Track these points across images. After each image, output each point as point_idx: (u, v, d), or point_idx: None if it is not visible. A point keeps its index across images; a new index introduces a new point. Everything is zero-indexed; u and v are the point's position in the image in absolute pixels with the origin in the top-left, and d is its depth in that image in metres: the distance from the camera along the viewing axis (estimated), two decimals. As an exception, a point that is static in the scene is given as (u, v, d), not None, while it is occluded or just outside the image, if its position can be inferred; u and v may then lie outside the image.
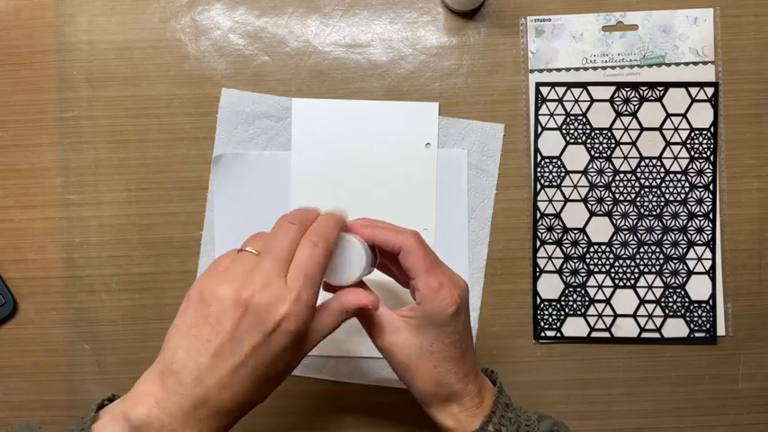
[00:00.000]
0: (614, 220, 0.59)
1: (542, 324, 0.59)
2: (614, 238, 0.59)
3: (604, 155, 0.59)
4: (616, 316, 0.59)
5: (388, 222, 0.47)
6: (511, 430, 0.44)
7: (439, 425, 0.46)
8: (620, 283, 0.59)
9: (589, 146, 0.59)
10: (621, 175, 0.59)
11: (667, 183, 0.59)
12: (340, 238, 0.43)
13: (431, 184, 0.59)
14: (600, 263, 0.59)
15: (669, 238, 0.59)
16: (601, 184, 0.59)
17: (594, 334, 0.59)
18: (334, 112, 0.59)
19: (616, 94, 0.59)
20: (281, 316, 0.39)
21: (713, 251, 0.59)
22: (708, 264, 0.59)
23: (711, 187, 0.59)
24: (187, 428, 0.39)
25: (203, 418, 0.39)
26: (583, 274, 0.59)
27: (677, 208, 0.59)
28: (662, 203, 0.59)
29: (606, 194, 0.59)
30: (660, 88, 0.59)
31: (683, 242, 0.59)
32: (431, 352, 0.44)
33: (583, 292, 0.59)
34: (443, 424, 0.46)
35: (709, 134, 0.59)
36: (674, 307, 0.59)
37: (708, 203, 0.59)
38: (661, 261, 0.59)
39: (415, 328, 0.44)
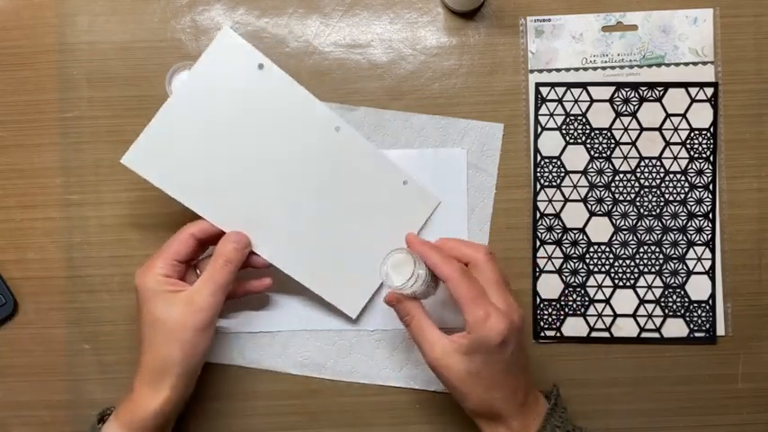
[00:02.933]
0: (614, 220, 0.59)
1: (542, 324, 0.59)
2: (614, 238, 0.59)
3: (604, 155, 0.59)
4: (616, 316, 0.59)
5: (456, 241, 0.51)
6: None
7: None
8: (620, 283, 0.59)
9: (589, 146, 0.59)
10: (621, 175, 0.59)
11: (667, 183, 0.59)
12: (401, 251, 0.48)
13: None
14: (600, 263, 0.59)
15: (669, 238, 0.59)
16: (600, 184, 0.59)
17: (594, 334, 0.59)
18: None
19: (616, 95, 0.59)
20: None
21: (713, 251, 0.59)
22: (707, 264, 0.59)
23: (711, 187, 0.59)
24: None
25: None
26: (582, 274, 0.59)
27: (677, 208, 0.59)
28: (661, 203, 0.59)
29: (606, 194, 0.59)
30: (660, 88, 0.59)
31: (682, 242, 0.59)
32: (480, 377, 0.47)
33: (582, 291, 0.59)
34: None
35: (708, 134, 0.59)
36: (674, 307, 0.59)
37: (707, 203, 0.59)
38: (661, 261, 0.59)
39: (465, 354, 0.47)
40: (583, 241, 0.59)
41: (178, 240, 0.52)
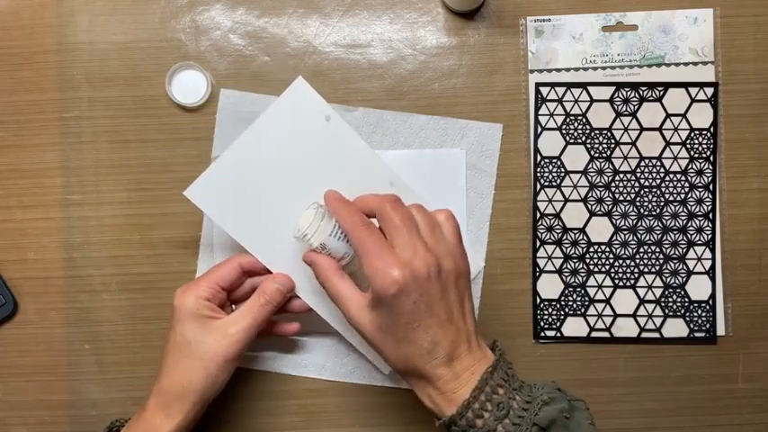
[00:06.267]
0: (614, 220, 0.59)
1: (542, 324, 0.59)
2: (614, 238, 0.59)
3: (604, 155, 0.59)
4: (616, 316, 0.59)
5: (367, 196, 0.49)
6: (498, 416, 0.42)
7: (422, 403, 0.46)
8: (620, 283, 0.59)
9: (589, 146, 0.59)
10: (621, 175, 0.59)
11: (667, 183, 0.59)
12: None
13: None
14: (600, 263, 0.59)
15: (669, 238, 0.59)
16: (600, 184, 0.59)
17: (594, 334, 0.59)
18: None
19: (616, 95, 0.59)
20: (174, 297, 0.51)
21: (713, 251, 0.59)
22: (707, 264, 0.59)
23: (711, 187, 0.59)
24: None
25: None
26: (583, 274, 0.59)
27: (677, 208, 0.59)
28: (662, 203, 0.59)
29: (606, 194, 0.59)
30: (660, 88, 0.59)
31: (682, 242, 0.59)
32: (389, 333, 0.44)
33: (583, 291, 0.59)
34: (423, 403, 0.46)
35: (708, 134, 0.59)
36: (674, 307, 0.59)
37: (707, 203, 0.59)
38: (661, 261, 0.59)
39: (372, 310, 0.44)
40: (583, 241, 0.59)
41: (226, 267, 0.52)
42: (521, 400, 0.44)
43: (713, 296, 0.59)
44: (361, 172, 0.54)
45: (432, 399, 0.45)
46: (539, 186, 0.59)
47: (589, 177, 0.59)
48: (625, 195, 0.59)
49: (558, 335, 0.59)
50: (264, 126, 0.53)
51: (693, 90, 0.59)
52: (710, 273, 0.59)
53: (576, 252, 0.59)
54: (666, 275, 0.59)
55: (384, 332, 0.44)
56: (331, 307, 0.53)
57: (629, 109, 0.59)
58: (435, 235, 0.45)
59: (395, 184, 0.55)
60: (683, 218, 0.59)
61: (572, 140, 0.59)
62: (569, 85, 0.59)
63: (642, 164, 0.59)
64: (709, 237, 0.59)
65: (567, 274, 0.59)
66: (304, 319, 0.59)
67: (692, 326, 0.59)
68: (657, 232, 0.59)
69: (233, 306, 0.55)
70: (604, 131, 0.59)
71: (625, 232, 0.59)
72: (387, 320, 0.44)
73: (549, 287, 0.59)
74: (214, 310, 0.51)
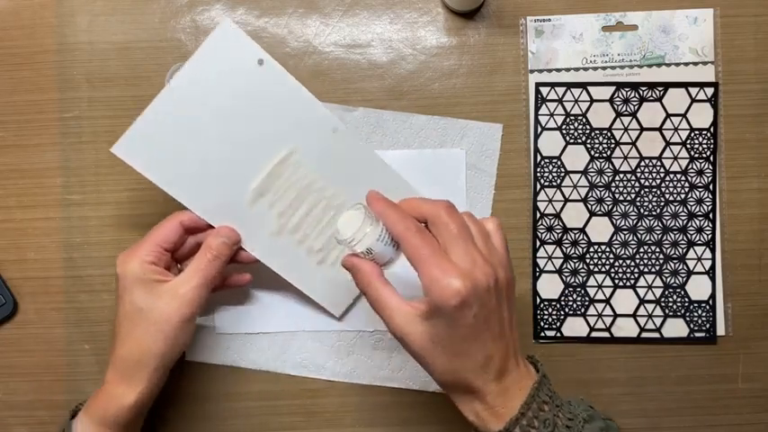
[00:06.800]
0: (614, 220, 0.59)
1: (542, 324, 0.59)
2: (614, 238, 0.59)
3: (604, 155, 0.59)
4: (616, 316, 0.59)
5: (417, 199, 0.45)
6: None
7: (465, 418, 0.45)
8: (620, 283, 0.59)
9: (589, 146, 0.59)
10: (621, 175, 0.59)
11: (667, 183, 0.59)
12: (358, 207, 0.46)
13: None
14: (600, 263, 0.59)
15: (669, 238, 0.59)
16: (601, 184, 0.59)
17: (594, 334, 0.59)
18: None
19: (616, 95, 0.59)
20: (116, 264, 0.50)
21: (713, 251, 0.59)
22: (708, 264, 0.59)
23: (711, 187, 0.59)
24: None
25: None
26: (583, 274, 0.59)
27: (677, 208, 0.59)
28: (662, 203, 0.59)
29: (606, 194, 0.59)
30: (660, 88, 0.59)
31: (682, 242, 0.59)
32: (443, 346, 0.42)
33: (583, 292, 0.59)
34: (467, 418, 0.44)
35: (708, 134, 0.59)
36: (674, 307, 0.59)
37: (708, 203, 0.59)
38: (661, 261, 0.59)
39: (426, 321, 0.42)
40: (583, 241, 0.59)
41: (167, 227, 0.51)
42: (563, 417, 0.43)
43: (713, 296, 0.59)
44: (300, 118, 0.53)
45: (477, 414, 0.43)
46: (539, 186, 0.59)
47: (589, 177, 0.59)
48: (625, 195, 0.59)
49: (558, 335, 0.59)
50: (191, 74, 0.51)
51: (693, 90, 0.59)
52: (710, 273, 0.59)
53: (576, 252, 0.59)
54: (666, 275, 0.59)
55: (436, 344, 0.42)
56: (280, 259, 0.54)
57: (629, 109, 0.59)
58: (488, 245, 0.44)
59: (338, 130, 0.54)
60: (683, 218, 0.59)
61: (572, 140, 0.59)
62: (569, 85, 0.59)
63: (642, 164, 0.59)
64: (710, 237, 0.59)
65: (567, 274, 0.59)
66: (302, 318, 0.59)
67: (692, 326, 0.59)
68: (657, 232, 0.59)
69: (179, 266, 0.54)
70: (604, 131, 0.59)
71: (625, 232, 0.59)
72: (442, 332, 0.41)
73: (549, 287, 0.59)
74: (161, 273, 0.49)
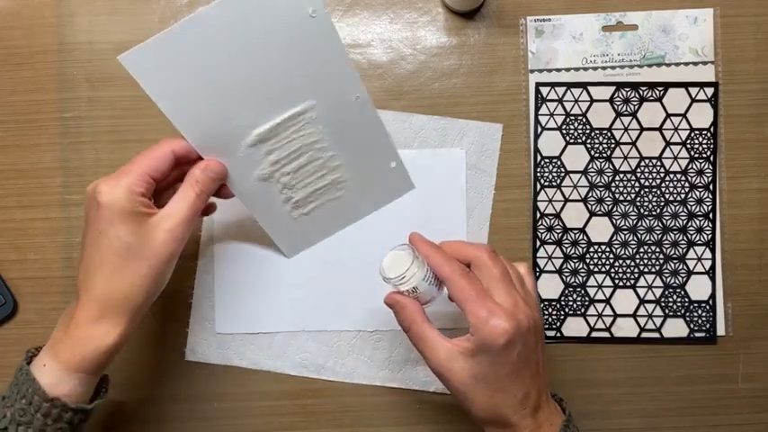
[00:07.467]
0: (614, 220, 0.59)
1: (542, 324, 0.59)
2: (614, 238, 0.59)
3: (604, 155, 0.59)
4: (616, 316, 0.59)
5: (458, 243, 0.49)
6: None
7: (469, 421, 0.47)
8: (620, 283, 0.59)
9: (589, 146, 0.59)
10: (621, 175, 0.59)
11: (667, 183, 0.59)
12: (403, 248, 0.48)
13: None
14: (600, 263, 0.59)
15: (669, 238, 0.59)
16: (601, 184, 0.59)
17: (594, 334, 0.59)
18: None
19: (616, 95, 0.59)
20: (96, 191, 0.44)
21: (713, 251, 0.59)
22: (708, 264, 0.59)
23: (711, 187, 0.59)
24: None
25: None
26: (583, 274, 0.59)
27: (677, 208, 0.59)
28: (662, 203, 0.59)
29: (606, 194, 0.59)
30: (660, 88, 0.59)
31: (682, 242, 0.59)
32: (486, 381, 0.44)
33: (583, 292, 0.59)
34: None
35: (708, 134, 0.59)
36: (674, 307, 0.59)
37: (708, 203, 0.59)
38: (661, 261, 0.59)
39: (470, 357, 0.44)
40: (583, 241, 0.59)
41: (158, 155, 0.47)
42: None
43: (713, 296, 0.59)
44: (329, 79, 0.51)
45: None
46: (539, 186, 0.59)
47: (589, 177, 0.59)
48: (625, 195, 0.59)
49: (558, 335, 0.59)
50: (230, 6, 0.46)
51: (693, 90, 0.59)
52: (710, 273, 0.59)
53: (576, 252, 0.59)
54: (666, 275, 0.59)
55: (479, 381, 0.44)
56: (258, 202, 0.53)
57: (629, 109, 0.59)
58: (524, 288, 0.47)
59: (359, 98, 0.53)
60: (683, 218, 0.59)
61: (572, 140, 0.59)
62: (569, 85, 0.59)
63: (642, 164, 0.59)
64: (710, 237, 0.59)
65: (567, 274, 0.59)
66: (302, 318, 0.59)
67: (692, 326, 0.59)
68: (657, 232, 0.59)
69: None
70: (604, 131, 0.59)
71: (625, 232, 0.59)
72: (486, 369, 0.44)
73: (549, 287, 0.59)
74: (149, 206, 0.46)
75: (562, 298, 0.59)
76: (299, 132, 0.53)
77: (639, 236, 0.59)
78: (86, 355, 0.44)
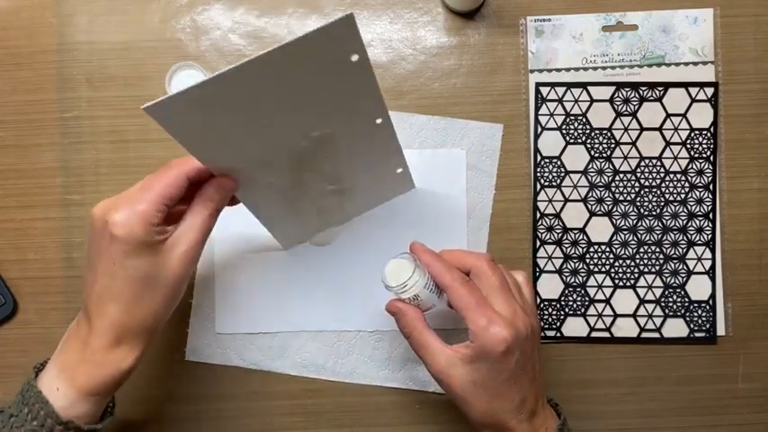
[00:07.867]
0: (614, 220, 0.59)
1: (542, 324, 0.59)
2: (614, 238, 0.59)
3: (604, 155, 0.59)
4: (616, 316, 0.59)
5: (458, 252, 0.50)
6: None
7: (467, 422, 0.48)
8: (620, 283, 0.59)
9: (589, 146, 0.59)
10: (621, 175, 0.59)
11: (667, 183, 0.59)
12: (404, 257, 0.49)
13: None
14: (600, 263, 0.59)
15: (669, 238, 0.59)
16: (601, 184, 0.59)
17: (594, 334, 0.59)
18: None
19: (616, 95, 0.59)
20: (109, 222, 0.43)
21: (713, 251, 0.59)
22: (708, 264, 0.59)
23: (711, 187, 0.59)
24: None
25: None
26: (583, 274, 0.59)
27: (677, 208, 0.59)
28: (662, 203, 0.59)
29: (606, 194, 0.59)
30: (660, 88, 0.59)
31: (682, 242, 0.59)
32: (484, 388, 0.46)
33: (583, 292, 0.59)
34: None
35: (708, 134, 0.59)
36: (674, 307, 0.59)
37: (708, 203, 0.59)
38: (661, 261, 0.59)
39: (469, 364, 0.46)
40: (583, 241, 0.59)
41: (172, 182, 0.44)
42: None
43: (713, 296, 0.59)
44: (357, 114, 0.47)
45: None
46: (539, 186, 0.59)
47: (589, 177, 0.59)
48: (625, 195, 0.59)
49: (558, 335, 0.59)
50: (275, 59, 0.39)
51: (693, 90, 0.59)
52: (710, 273, 0.59)
53: (576, 252, 0.59)
54: (666, 275, 0.59)
55: (477, 386, 0.46)
56: (260, 202, 0.51)
57: (629, 109, 0.59)
58: (522, 296, 0.49)
59: (383, 121, 0.49)
60: (683, 218, 0.59)
61: (572, 140, 0.59)
62: (569, 85, 0.59)
63: (642, 164, 0.59)
64: (710, 237, 0.59)
65: (567, 274, 0.59)
66: (302, 318, 0.59)
67: (692, 326, 0.59)
68: (657, 232, 0.59)
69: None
70: (604, 131, 0.59)
71: (625, 232, 0.59)
72: (485, 376, 0.45)
73: (550, 287, 0.59)
74: (163, 232, 0.44)
75: (562, 298, 0.59)
76: (315, 153, 0.49)
77: (639, 236, 0.59)
78: (104, 380, 0.45)
